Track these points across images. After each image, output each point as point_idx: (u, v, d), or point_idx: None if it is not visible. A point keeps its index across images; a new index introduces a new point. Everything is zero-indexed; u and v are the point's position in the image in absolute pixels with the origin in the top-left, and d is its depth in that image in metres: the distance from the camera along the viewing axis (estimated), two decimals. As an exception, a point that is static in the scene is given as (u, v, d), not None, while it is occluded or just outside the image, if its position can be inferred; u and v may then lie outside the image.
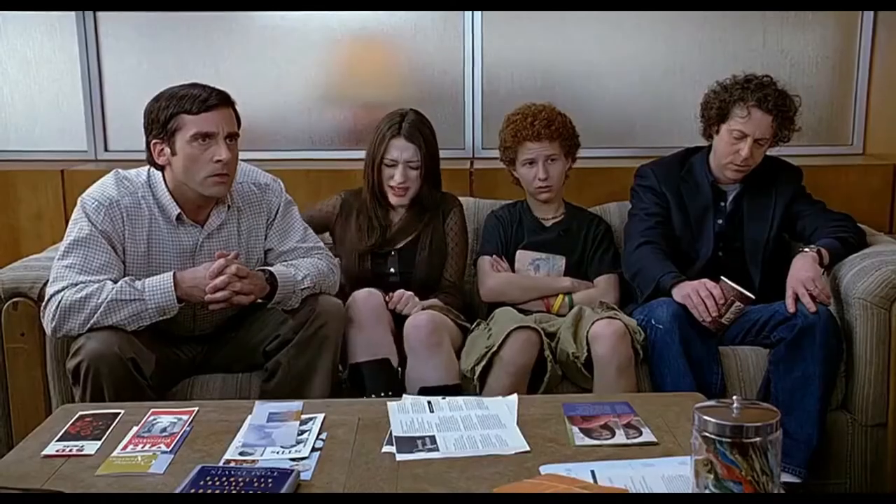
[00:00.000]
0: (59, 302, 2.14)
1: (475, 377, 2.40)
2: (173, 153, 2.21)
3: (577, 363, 2.40)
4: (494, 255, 2.79)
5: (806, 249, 2.56)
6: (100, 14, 3.41)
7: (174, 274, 2.19)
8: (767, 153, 2.76)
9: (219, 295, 2.16)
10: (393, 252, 2.76)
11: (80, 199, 2.25)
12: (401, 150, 2.68)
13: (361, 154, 3.43)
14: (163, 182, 2.27)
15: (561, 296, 2.73)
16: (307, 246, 2.48)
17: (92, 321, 2.13)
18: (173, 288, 2.16)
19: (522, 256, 2.80)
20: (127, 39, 3.45)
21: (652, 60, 3.44)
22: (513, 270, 2.79)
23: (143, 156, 3.35)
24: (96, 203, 2.22)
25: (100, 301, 2.12)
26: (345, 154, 3.47)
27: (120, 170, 2.34)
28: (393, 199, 2.73)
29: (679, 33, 3.42)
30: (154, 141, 2.23)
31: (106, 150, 3.50)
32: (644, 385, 2.47)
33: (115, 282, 2.17)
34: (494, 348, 2.39)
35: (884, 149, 3.33)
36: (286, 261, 2.42)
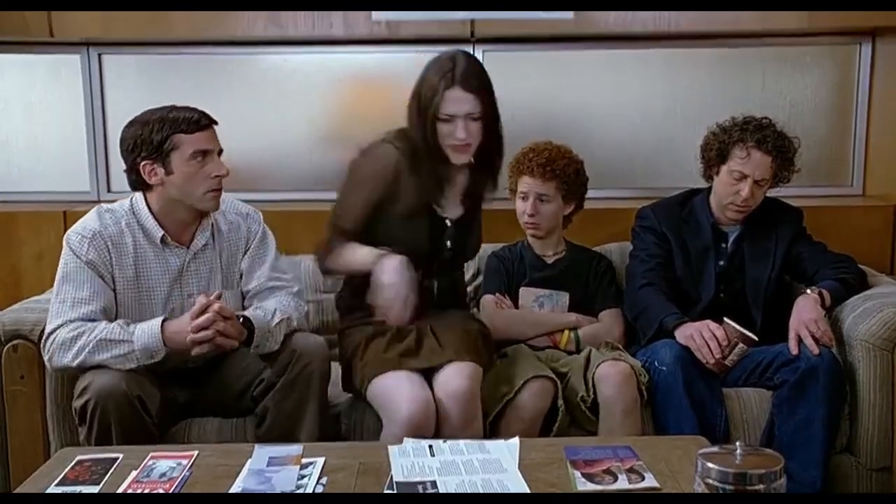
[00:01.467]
0: (55, 339, 2.20)
1: (488, 419, 2.39)
2: (168, 172, 2.28)
3: (583, 405, 2.39)
4: (498, 294, 2.79)
5: (808, 291, 2.57)
6: (104, 56, 3.44)
7: (163, 320, 2.21)
8: (767, 194, 2.77)
9: (201, 335, 2.15)
10: (449, 222, 2.49)
11: (64, 237, 2.32)
12: (459, 101, 2.31)
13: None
14: (146, 206, 2.34)
15: (567, 331, 2.73)
16: (274, 281, 2.50)
17: (80, 358, 2.17)
18: (160, 331, 2.18)
19: (526, 293, 2.80)
20: (130, 80, 3.47)
21: (652, 101, 3.46)
22: (517, 308, 2.78)
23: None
24: (79, 237, 2.29)
25: (89, 339, 2.17)
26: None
27: (103, 205, 2.40)
28: (454, 157, 2.37)
29: (678, 74, 3.45)
30: (144, 162, 2.28)
31: (109, 190, 3.51)
32: (647, 427, 2.46)
33: (107, 310, 2.26)
34: (510, 396, 2.37)
35: (884, 189, 3.34)
36: (253, 292, 2.47)
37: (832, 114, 3.46)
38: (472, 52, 3.36)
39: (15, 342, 2.37)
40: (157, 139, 2.26)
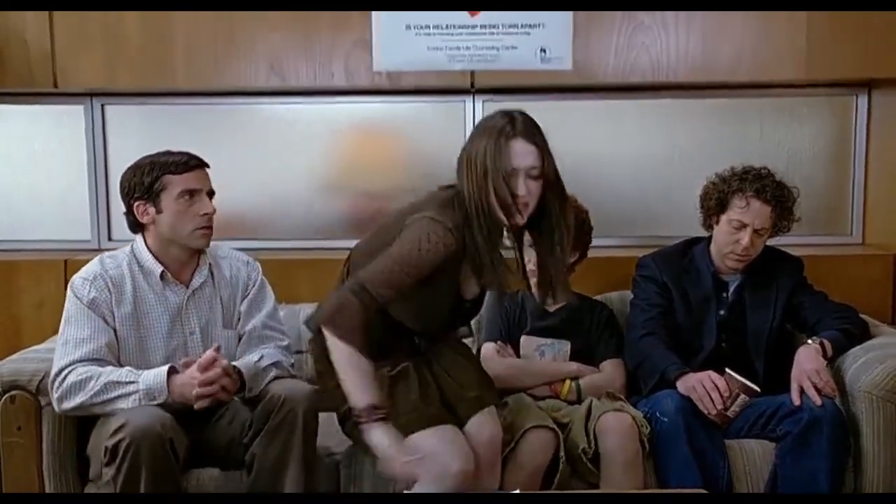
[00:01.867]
0: (63, 381, 2.27)
1: None
2: (158, 211, 2.40)
3: (583, 458, 2.37)
4: (499, 342, 2.78)
5: (809, 341, 2.56)
6: (108, 106, 3.47)
7: (169, 369, 2.27)
8: (768, 243, 2.78)
9: (207, 389, 2.23)
10: (469, 302, 2.35)
11: (69, 283, 2.42)
12: (521, 154, 2.15)
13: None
14: (145, 246, 2.45)
15: (568, 381, 2.71)
16: (268, 331, 2.57)
17: (87, 398, 2.25)
18: (166, 378, 2.24)
19: (527, 342, 2.79)
20: (133, 130, 3.50)
21: (651, 151, 3.49)
22: (518, 356, 2.77)
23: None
24: (81, 280, 2.40)
25: (98, 382, 2.25)
26: (346, 243, 3.48)
27: (102, 254, 2.50)
28: (517, 220, 2.18)
29: (677, 124, 3.48)
30: (137, 203, 2.41)
31: (109, 239, 3.52)
32: (649, 478, 2.43)
33: (110, 347, 2.34)
34: (511, 446, 2.36)
35: (883, 238, 3.35)
36: (246, 337, 2.53)
37: (830, 163, 3.48)
38: (473, 103, 3.43)
39: (12, 393, 2.36)
40: (147, 180, 2.38)
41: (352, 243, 3.42)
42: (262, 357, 2.44)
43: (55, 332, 2.86)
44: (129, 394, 2.23)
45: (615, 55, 3.17)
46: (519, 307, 2.84)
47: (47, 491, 2.38)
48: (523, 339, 2.79)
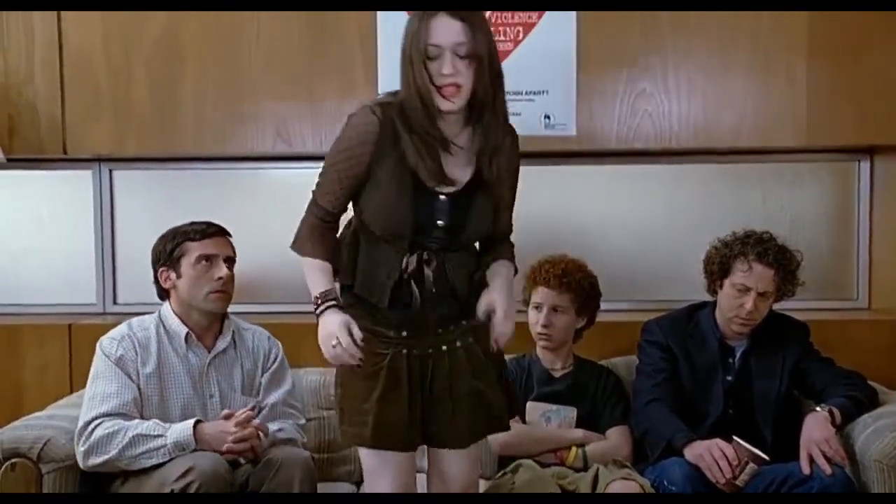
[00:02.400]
0: (90, 434, 2.34)
1: None
2: (178, 276, 2.55)
3: (589, 527, 2.34)
4: (505, 408, 2.76)
5: (818, 409, 2.54)
6: (115, 171, 3.50)
7: (196, 421, 2.35)
8: (773, 309, 2.78)
9: (240, 446, 2.32)
10: (443, 196, 2.07)
11: (98, 343, 2.53)
12: (444, 29, 1.94)
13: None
14: (171, 311, 2.58)
15: (574, 448, 2.70)
16: (288, 408, 2.65)
17: (116, 452, 2.31)
18: (192, 430, 2.32)
19: (533, 408, 2.77)
20: (140, 194, 3.53)
21: (655, 215, 3.50)
22: (524, 422, 2.75)
23: (151, 308, 3.41)
24: (110, 339, 2.52)
25: (126, 435, 2.32)
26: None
27: (130, 319, 2.63)
28: (440, 103, 1.98)
29: (680, 189, 3.50)
30: (161, 269, 2.58)
31: (115, 303, 3.52)
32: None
33: (136, 402, 2.43)
34: None
35: (889, 303, 3.34)
36: (266, 411, 2.58)
37: (834, 228, 3.49)
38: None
39: (13, 461, 2.34)
40: (169, 247, 2.56)
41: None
42: (281, 429, 2.54)
43: (58, 397, 2.88)
44: (158, 448, 2.30)
45: (618, 122, 3.20)
46: (525, 372, 2.83)
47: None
48: (529, 404, 2.78)
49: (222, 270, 2.55)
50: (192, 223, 2.62)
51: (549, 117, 3.22)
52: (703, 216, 3.42)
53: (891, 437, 2.40)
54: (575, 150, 3.31)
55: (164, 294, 2.62)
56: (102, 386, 2.43)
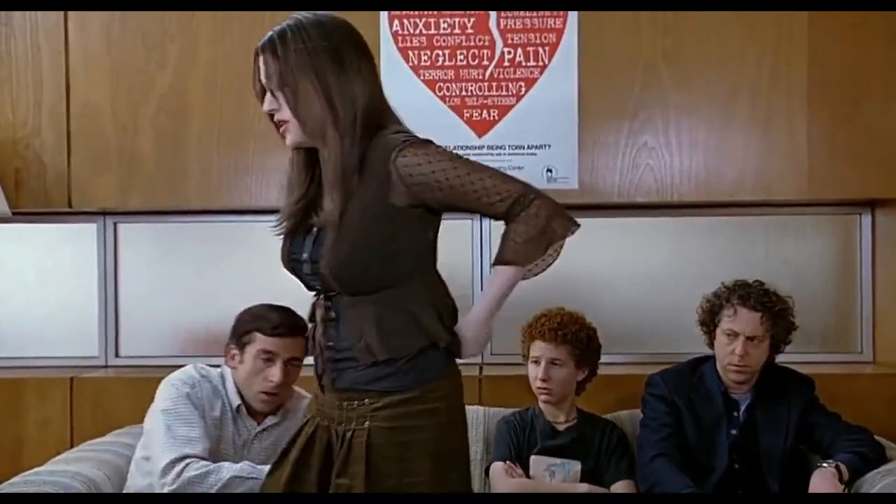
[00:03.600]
0: (181, 474, 2.31)
1: None
2: (241, 361, 2.51)
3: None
4: (508, 462, 2.74)
5: (825, 465, 2.51)
6: (120, 224, 3.52)
7: None
8: (777, 363, 2.77)
9: None
10: (315, 227, 1.94)
11: (165, 381, 2.50)
12: (263, 70, 1.90)
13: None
14: (233, 381, 2.54)
15: (579, 503, 2.66)
16: None
17: (210, 490, 2.30)
18: None
19: (537, 462, 2.75)
20: (145, 247, 3.55)
21: (657, 267, 3.51)
22: (527, 477, 2.73)
23: (154, 361, 3.42)
24: (182, 381, 2.48)
25: (220, 476, 2.31)
26: (354, 360, 3.48)
27: (198, 364, 2.59)
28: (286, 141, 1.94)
29: (683, 242, 3.51)
30: (230, 345, 2.55)
31: (117, 356, 3.52)
32: None
33: (211, 453, 2.39)
34: None
35: (894, 356, 3.33)
36: None
37: (837, 281, 3.49)
38: (481, 224, 3.47)
39: (12, 519, 2.31)
40: (241, 330, 2.52)
41: (359, 361, 3.45)
42: None
43: (58, 451, 2.86)
44: (254, 489, 2.25)
45: (620, 175, 3.23)
46: (528, 426, 2.81)
47: None
48: (533, 458, 2.75)
49: (276, 374, 2.47)
50: (273, 310, 2.52)
51: (551, 171, 3.25)
52: (706, 269, 3.42)
53: (899, 493, 2.37)
54: (577, 203, 3.32)
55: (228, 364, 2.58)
56: (185, 428, 2.39)
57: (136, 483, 2.51)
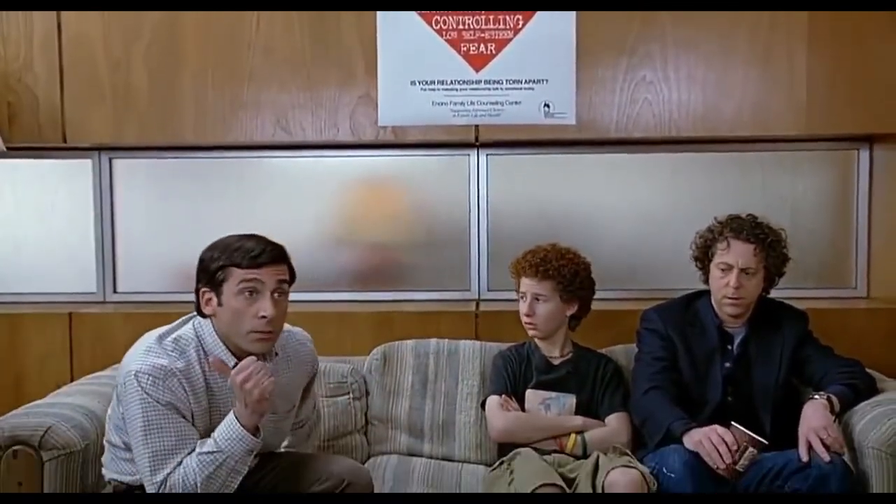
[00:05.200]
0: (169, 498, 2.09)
1: None
2: (219, 304, 2.18)
3: (589, 516, 2.35)
4: (504, 395, 2.77)
5: (816, 396, 2.54)
6: (115, 160, 3.51)
7: (233, 415, 2.11)
8: (771, 297, 2.79)
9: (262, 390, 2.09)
10: None
11: (129, 374, 2.12)
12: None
13: (370, 296, 3.48)
14: (214, 332, 2.22)
15: (573, 435, 2.70)
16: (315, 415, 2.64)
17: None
18: (243, 430, 2.09)
19: (532, 396, 2.78)
20: (140, 183, 3.55)
21: (654, 204, 3.51)
22: (523, 410, 2.76)
23: (151, 297, 3.41)
24: (150, 378, 2.11)
25: (192, 488, 2.07)
26: (352, 296, 3.50)
27: (160, 333, 2.23)
28: None
29: (680, 178, 3.51)
30: (202, 289, 2.20)
31: (115, 291, 3.53)
32: (657, 535, 2.40)
33: (194, 441, 2.12)
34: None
35: (888, 292, 3.35)
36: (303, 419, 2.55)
37: (833, 216, 3.50)
38: (478, 157, 3.46)
39: (14, 448, 2.34)
40: (213, 268, 2.17)
41: (357, 296, 3.48)
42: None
43: (58, 385, 2.88)
44: (233, 467, 2.08)
45: (618, 110, 3.21)
46: (524, 360, 2.84)
47: (48, 548, 2.35)
48: (528, 392, 2.78)
49: (267, 307, 2.15)
50: (246, 239, 2.20)
51: (548, 106, 3.22)
52: (703, 205, 3.42)
53: (889, 424, 2.40)
54: (574, 139, 3.31)
55: (200, 313, 2.24)
56: (160, 440, 2.09)
57: (112, 439, 2.29)
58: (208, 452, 2.08)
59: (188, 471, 2.07)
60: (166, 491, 2.06)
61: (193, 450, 2.11)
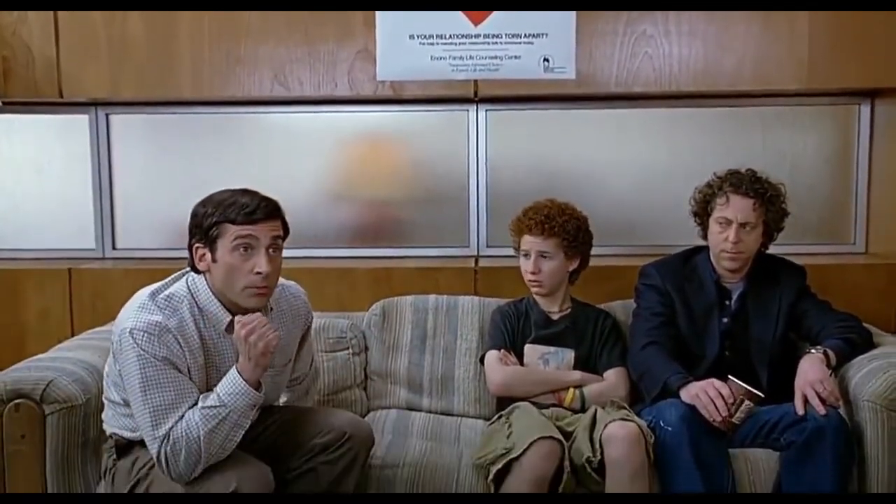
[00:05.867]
0: (168, 463, 2.08)
1: (490, 477, 2.38)
2: (213, 260, 2.16)
3: (588, 467, 2.37)
4: (503, 350, 2.78)
5: (813, 350, 2.56)
6: (112, 116, 3.49)
7: (237, 370, 2.12)
8: (770, 252, 2.79)
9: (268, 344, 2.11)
10: None
11: (124, 331, 2.12)
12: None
13: (369, 252, 3.48)
14: (208, 288, 2.20)
15: (572, 389, 2.72)
16: (313, 371, 2.66)
17: (202, 461, 2.08)
18: (245, 384, 2.09)
19: (531, 351, 2.79)
20: (137, 139, 3.53)
21: (654, 159, 3.50)
22: (522, 364, 2.78)
23: (150, 253, 3.41)
24: (145, 335, 2.10)
25: (195, 441, 2.06)
26: (350, 252, 3.51)
27: (152, 290, 2.20)
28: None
29: (680, 133, 3.49)
30: (196, 245, 2.18)
31: (114, 248, 3.53)
32: (653, 488, 2.42)
33: (195, 397, 2.13)
34: (515, 455, 2.36)
35: (886, 248, 3.35)
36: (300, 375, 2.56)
37: (833, 172, 3.49)
38: (477, 112, 3.44)
39: (17, 401, 2.36)
40: (206, 224, 2.15)
41: (355, 252, 3.48)
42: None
43: (59, 340, 2.89)
44: (236, 422, 2.08)
45: (618, 65, 3.19)
46: (523, 316, 2.85)
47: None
48: (527, 347, 2.80)
49: (262, 263, 2.13)
50: (240, 194, 2.18)
51: (547, 60, 3.20)
52: (702, 161, 3.40)
53: (884, 377, 2.42)
54: (574, 94, 3.29)
55: (193, 268, 2.22)
56: (159, 395, 2.08)
57: (111, 396, 2.30)
58: (211, 406, 2.08)
59: (191, 424, 2.07)
60: (169, 445, 2.06)
61: (195, 403, 2.11)
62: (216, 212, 2.15)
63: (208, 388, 2.16)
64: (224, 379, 2.13)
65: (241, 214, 2.13)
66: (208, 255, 2.17)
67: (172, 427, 2.08)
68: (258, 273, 2.14)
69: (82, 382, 2.44)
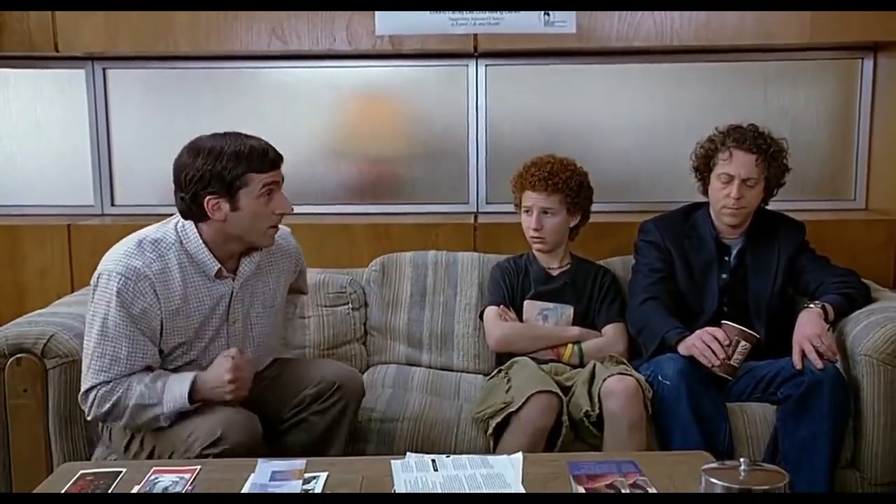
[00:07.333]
0: (94, 400, 2.15)
1: (489, 430, 2.40)
2: (234, 209, 2.18)
3: (586, 421, 2.39)
4: (502, 305, 2.79)
5: (811, 305, 2.56)
6: (109, 70, 3.46)
7: (194, 380, 2.16)
8: (769, 208, 2.79)
9: (236, 395, 2.18)
10: None
11: (103, 272, 2.15)
12: None
13: (368, 208, 3.48)
14: (198, 237, 2.23)
15: (570, 345, 2.73)
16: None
17: (124, 421, 2.16)
18: (187, 397, 2.13)
19: (530, 307, 2.80)
20: (135, 94, 3.50)
21: (654, 115, 3.48)
22: (521, 320, 2.79)
23: (149, 209, 3.39)
24: (122, 279, 2.13)
25: (126, 405, 2.14)
26: (348, 208, 3.50)
27: (140, 238, 2.22)
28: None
29: (681, 88, 3.46)
30: (210, 196, 2.16)
31: (112, 204, 3.53)
32: (651, 441, 2.45)
33: (149, 367, 2.19)
34: (514, 409, 2.37)
35: (886, 204, 3.34)
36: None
37: (834, 128, 3.47)
38: (476, 67, 3.41)
39: (18, 356, 2.37)
40: (231, 175, 2.15)
41: (354, 208, 3.48)
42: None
43: (59, 296, 2.91)
44: (157, 416, 2.14)
45: (619, 19, 3.15)
46: (522, 272, 2.85)
47: (53, 451, 2.40)
48: (526, 303, 2.81)
49: (283, 203, 2.23)
50: (243, 140, 2.20)
51: (548, 14, 3.16)
52: (703, 117, 3.38)
53: (881, 332, 2.43)
54: (574, 49, 3.26)
55: (195, 217, 2.22)
56: (113, 347, 2.14)
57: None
58: (151, 395, 2.13)
59: (130, 392, 2.13)
60: (101, 392, 2.13)
61: (147, 368, 2.18)
62: (239, 164, 2.16)
63: (174, 331, 2.22)
64: (178, 381, 2.15)
65: (265, 163, 2.20)
66: (225, 206, 2.18)
67: (113, 381, 2.14)
68: (281, 211, 2.24)
69: (82, 337, 2.44)
